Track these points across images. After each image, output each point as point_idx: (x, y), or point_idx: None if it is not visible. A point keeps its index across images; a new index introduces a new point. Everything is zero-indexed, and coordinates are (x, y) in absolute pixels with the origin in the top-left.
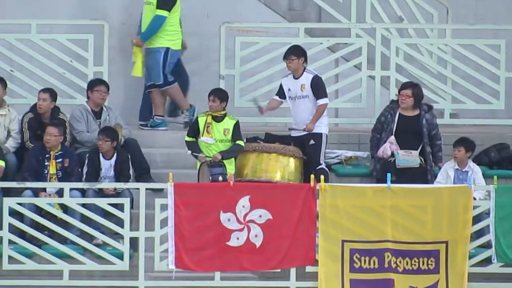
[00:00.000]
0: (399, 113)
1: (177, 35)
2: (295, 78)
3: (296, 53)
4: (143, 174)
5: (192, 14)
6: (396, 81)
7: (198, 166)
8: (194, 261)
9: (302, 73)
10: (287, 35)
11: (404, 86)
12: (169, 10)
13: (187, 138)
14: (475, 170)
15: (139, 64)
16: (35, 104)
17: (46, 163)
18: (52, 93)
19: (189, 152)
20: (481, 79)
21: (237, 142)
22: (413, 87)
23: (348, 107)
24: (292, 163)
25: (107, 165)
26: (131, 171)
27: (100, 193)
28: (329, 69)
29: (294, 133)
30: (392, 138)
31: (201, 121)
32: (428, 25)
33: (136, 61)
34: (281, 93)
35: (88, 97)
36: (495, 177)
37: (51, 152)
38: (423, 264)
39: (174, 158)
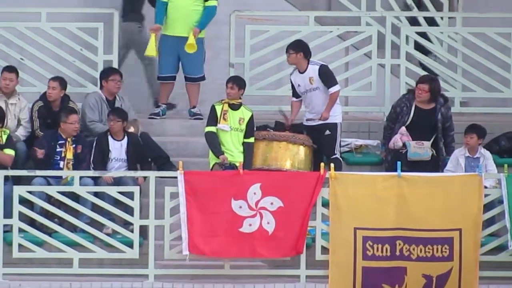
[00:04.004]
0: (415, 105)
1: None
2: (301, 72)
3: (294, 47)
4: (166, 162)
5: None
6: (406, 70)
7: (211, 166)
8: (208, 247)
9: (307, 67)
10: (297, 23)
11: (422, 80)
12: None
13: (208, 129)
14: (486, 156)
15: (153, 42)
16: (45, 93)
17: (59, 149)
18: (61, 82)
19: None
20: (491, 67)
21: (249, 139)
22: (431, 82)
23: (358, 95)
24: (302, 151)
25: (117, 146)
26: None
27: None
28: (339, 57)
29: (308, 123)
30: (403, 129)
31: (218, 108)
32: (438, 14)
33: (150, 40)
34: (295, 92)
35: (101, 86)
36: (506, 165)
37: (69, 139)
38: (437, 251)
39: (184, 147)
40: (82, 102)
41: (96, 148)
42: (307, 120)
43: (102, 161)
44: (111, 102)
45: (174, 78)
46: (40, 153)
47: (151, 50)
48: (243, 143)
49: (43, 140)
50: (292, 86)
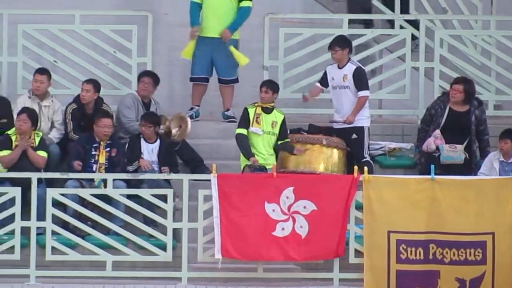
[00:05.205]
0: (449, 107)
1: None
2: (339, 67)
3: (340, 44)
4: (199, 165)
5: None
6: (440, 73)
7: (241, 168)
8: (240, 251)
9: (346, 64)
10: (331, 26)
11: (456, 81)
12: None
13: (239, 131)
14: None
15: (191, 46)
16: (79, 95)
17: (93, 153)
18: (95, 84)
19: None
20: None
21: (287, 140)
22: (465, 83)
23: (392, 98)
24: (335, 154)
25: (150, 149)
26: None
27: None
28: (373, 60)
29: (336, 125)
30: (437, 132)
31: (251, 111)
32: (472, 17)
33: (189, 44)
34: (323, 81)
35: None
36: None
37: (101, 142)
38: (470, 255)
39: (217, 149)
40: (117, 104)
41: (128, 149)
42: (331, 121)
43: (134, 162)
44: (147, 104)
45: (206, 80)
46: (76, 164)
47: (187, 53)
48: (280, 144)
49: (78, 143)
50: (324, 75)
